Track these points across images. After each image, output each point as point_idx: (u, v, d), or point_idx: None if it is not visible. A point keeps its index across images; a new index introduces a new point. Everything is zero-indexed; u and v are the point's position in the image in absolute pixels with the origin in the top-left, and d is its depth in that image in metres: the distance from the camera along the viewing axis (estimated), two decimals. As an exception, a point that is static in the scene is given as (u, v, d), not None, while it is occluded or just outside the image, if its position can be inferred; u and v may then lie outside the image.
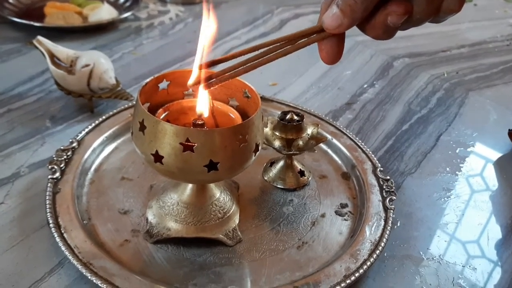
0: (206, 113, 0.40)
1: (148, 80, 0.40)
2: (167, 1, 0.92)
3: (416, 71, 0.74)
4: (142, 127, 0.36)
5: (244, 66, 0.33)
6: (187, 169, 0.35)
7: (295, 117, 0.47)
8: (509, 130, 0.57)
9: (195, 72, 0.36)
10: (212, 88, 0.35)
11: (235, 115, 0.42)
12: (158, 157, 0.35)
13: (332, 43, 0.32)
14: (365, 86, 0.69)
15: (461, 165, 0.55)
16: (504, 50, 0.85)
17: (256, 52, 0.33)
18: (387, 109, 0.64)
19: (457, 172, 0.53)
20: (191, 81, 0.36)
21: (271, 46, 0.33)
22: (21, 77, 0.64)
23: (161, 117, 0.40)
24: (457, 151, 0.57)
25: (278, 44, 0.33)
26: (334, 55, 0.32)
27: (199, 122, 0.39)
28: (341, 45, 0.32)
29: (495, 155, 0.57)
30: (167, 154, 0.35)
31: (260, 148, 0.38)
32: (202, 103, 0.39)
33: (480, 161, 0.56)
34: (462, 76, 0.74)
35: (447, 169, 0.54)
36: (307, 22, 0.89)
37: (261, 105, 0.38)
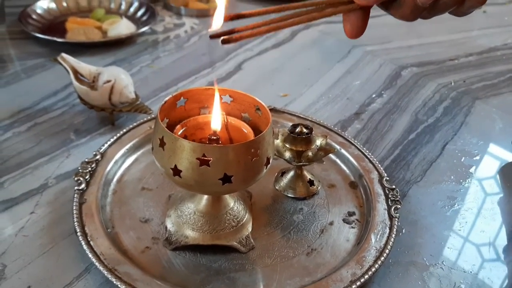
0: (219, 128, 0.43)
1: (167, 98, 0.43)
2: (182, 14, 0.95)
3: (423, 80, 0.76)
4: (162, 143, 0.39)
5: (268, 26, 0.32)
6: (203, 182, 0.38)
7: (304, 130, 0.50)
8: (513, 139, 0.59)
9: (218, 22, 0.34)
10: (232, 42, 0.32)
11: (247, 129, 0.45)
12: (176, 171, 0.38)
13: (357, 17, 0.33)
14: (374, 96, 0.72)
15: (465, 173, 0.57)
16: (512, 57, 0.86)
17: (282, 14, 0.33)
18: (395, 119, 0.66)
19: (461, 181, 0.55)
20: (213, 30, 0.33)
21: (297, 10, 0.33)
22: (46, 92, 0.67)
23: (179, 133, 0.43)
24: (462, 159, 0.59)
25: (305, 9, 0.33)
26: (358, 29, 0.33)
27: (214, 137, 0.42)
28: (366, 20, 0.33)
29: (500, 163, 0.59)
30: (185, 168, 0.38)
31: (271, 161, 0.41)
32: (217, 118, 0.43)
33: (484, 169, 0.58)
34: (470, 84, 0.76)
35: (452, 177, 0.56)
36: (318, 33, 0.92)
37: (271, 121, 0.41)
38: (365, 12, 0.33)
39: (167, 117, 0.44)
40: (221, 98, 0.45)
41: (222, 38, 0.31)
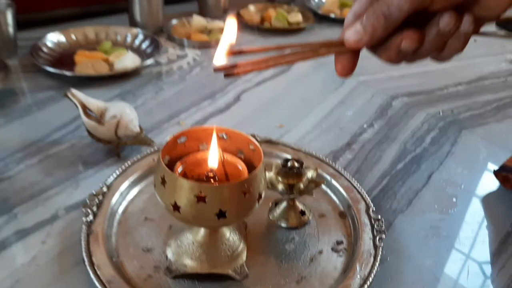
0: (216, 165, 0.47)
1: (168, 138, 0.47)
2: (185, 46, 1.00)
3: (413, 110, 0.80)
4: (163, 182, 0.43)
5: (266, 63, 0.35)
6: (200, 217, 0.42)
7: (296, 164, 0.53)
8: (494, 170, 0.62)
9: (222, 56, 0.36)
10: (234, 76, 0.35)
11: (242, 166, 0.48)
12: (176, 207, 0.42)
13: (348, 58, 0.36)
14: (365, 126, 0.76)
15: (449, 203, 0.60)
16: (500, 87, 0.90)
17: (279, 52, 0.36)
18: (384, 149, 0.70)
19: (444, 210, 0.59)
20: (216, 63, 0.36)
21: (293, 49, 0.36)
22: (56, 124, 0.72)
23: (179, 170, 0.47)
24: (446, 189, 0.62)
25: (300, 48, 0.36)
26: (348, 69, 0.37)
27: (211, 175, 0.46)
28: (355, 61, 0.37)
29: (483, 193, 0.62)
30: (183, 204, 0.42)
31: (263, 196, 0.45)
32: (214, 156, 0.47)
33: (467, 199, 0.61)
34: (457, 114, 0.80)
35: (436, 206, 0.59)
36: (312, 63, 0.96)
37: (263, 160, 0.45)
38: (355, 54, 0.36)
39: (168, 154, 0.48)
40: (218, 136, 0.49)
41: (225, 72, 0.34)
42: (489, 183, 0.64)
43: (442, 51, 0.35)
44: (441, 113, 0.80)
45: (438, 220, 0.57)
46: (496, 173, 0.62)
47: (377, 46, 0.35)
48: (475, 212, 0.59)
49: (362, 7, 0.35)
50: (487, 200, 0.61)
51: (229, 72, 0.35)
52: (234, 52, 0.36)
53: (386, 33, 0.34)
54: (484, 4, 0.33)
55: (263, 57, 0.35)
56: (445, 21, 0.33)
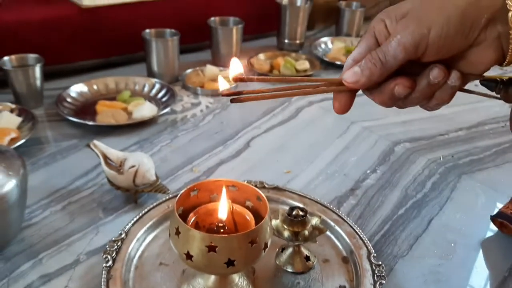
0: (225, 216, 0.51)
1: (182, 191, 0.51)
2: (198, 94, 1.07)
3: (415, 155, 0.84)
4: (178, 232, 0.47)
5: (270, 93, 0.39)
6: (211, 265, 0.46)
7: (300, 213, 0.57)
8: (491, 216, 0.65)
9: (227, 83, 0.40)
10: (240, 102, 0.38)
11: (250, 216, 0.53)
12: (189, 256, 0.46)
13: (345, 96, 0.40)
14: (368, 172, 0.79)
15: (448, 248, 0.63)
16: (499, 132, 0.94)
17: (282, 85, 0.39)
18: (386, 194, 0.74)
19: (444, 255, 0.62)
20: (223, 88, 0.39)
21: (295, 84, 0.40)
22: (78, 172, 0.77)
23: (191, 220, 0.52)
24: (446, 234, 0.65)
25: (302, 83, 0.40)
26: (345, 107, 0.41)
27: (221, 225, 0.51)
28: (352, 100, 0.41)
29: (481, 238, 0.65)
30: (195, 254, 0.46)
31: (269, 245, 0.49)
32: (224, 208, 0.51)
33: (466, 244, 0.64)
34: (457, 159, 0.83)
35: (435, 252, 0.62)
36: (319, 109, 1.02)
37: (269, 211, 0.49)
38: (351, 94, 0.40)
39: (182, 205, 0.53)
40: (227, 188, 0.53)
41: (231, 97, 0.38)
42: (487, 228, 0.67)
43: (430, 100, 0.39)
44: (441, 159, 0.83)
45: (438, 265, 0.60)
46: (493, 218, 0.65)
47: (373, 88, 0.39)
48: (473, 257, 0.62)
49: (361, 53, 0.39)
50: (485, 245, 0.64)
51: (235, 97, 0.38)
52: (243, 79, 0.39)
53: (381, 78, 0.38)
54: (470, 61, 0.37)
55: (267, 88, 0.39)
56: (434, 73, 0.37)
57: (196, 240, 0.46)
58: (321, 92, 0.39)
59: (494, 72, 0.39)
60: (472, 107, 1.04)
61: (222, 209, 0.51)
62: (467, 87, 0.40)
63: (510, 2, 0.34)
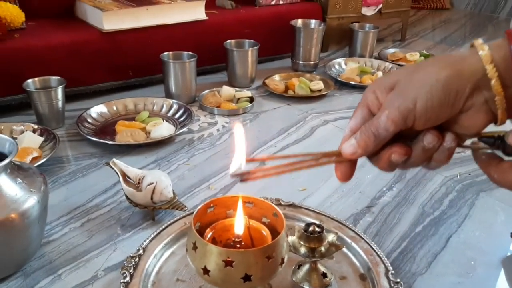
0: (241, 232, 0.51)
1: (199, 207, 0.52)
2: (215, 114, 1.08)
3: (431, 173, 0.84)
4: (195, 247, 0.48)
5: (275, 171, 0.41)
6: (228, 280, 0.46)
7: (317, 229, 0.57)
8: (511, 233, 0.64)
9: (238, 165, 0.43)
10: (249, 181, 0.41)
11: (266, 232, 0.53)
12: (206, 271, 0.47)
13: (346, 166, 0.41)
14: (384, 189, 0.79)
15: (468, 266, 0.62)
16: (517, 149, 0.92)
17: (287, 160, 0.41)
18: (403, 212, 0.73)
19: (463, 273, 0.61)
20: (233, 171, 0.42)
21: (299, 158, 0.41)
22: (97, 190, 0.79)
23: (208, 236, 0.52)
24: (465, 252, 0.65)
25: (305, 158, 0.41)
26: (347, 175, 0.41)
27: (237, 240, 0.51)
28: (353, 168, 0.41)
29: (501, 256, 0.64)
30: (213, 268, 0.46)
31: (285, 260, 0.49)
32: (239, 223, 0.52)
33: (486, 262, 0.63)
34: (475, 177, 0.83)
35: (455, 269, 0.61)
36: (334, 128, 1.02)
37: (285, 227, 0.49)
38: (352, 162, 0.41)
39: (199, 220, 0.53)
40: (244, 204, 0.54)
41: (240, 178, 0.40)
42: (507, 246, 0.65)
43: (429, 162, 0.39)
44: (458, 176, 0.83)
45: (457, 284, 0.59)
46: (513, 236, 0.64)
47: (372, 156, 0.40)
48: (494, 275, 0.61)
49: (357, 124, 0.40)
50: (505, 263, 0.63)
51: (245, 178, 0.41)
52: (250, 160, 0.42)
53: (377, 148, 0.39)
54: (462, 124, 0.37)
55: (272, 166, 0.41)
56: (428, 139, 0.37)
57: (213, 254, 0.46)
58: (323, 164, 0.41)
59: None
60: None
61: (239, 224, 0.52)
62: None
63: (489, 71, 0.34)
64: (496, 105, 0.35)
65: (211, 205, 0.54)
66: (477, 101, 0.35)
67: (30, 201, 0.58)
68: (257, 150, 0.92)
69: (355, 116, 0.41)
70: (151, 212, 0.71)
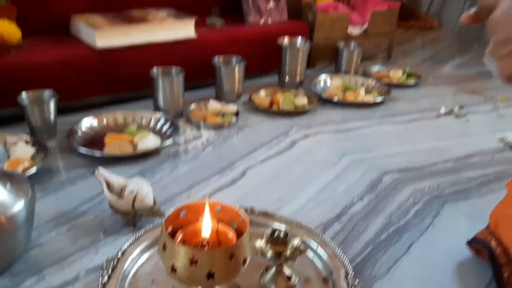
0: (209, 235, 0.56)
1: (171, 212, 0.57)
2: (201, 127, 1.13)
3: (401, 185, 0.88)
4: (164, 247, 0.52)
5: None
6: (192, 278, 0.51)
7: (281, 234, 0.62)
8: (467, 241, 0.69)
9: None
10: None
11: (232, 234, 0.57)
12: (173, 269, 0.51)
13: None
14: (355, 199, 0.84)
15: (425, 272, 0.66)
16: (487, 163, 0.97)
17: None
18: (371, 220, 0.77)
19: (420, 278, 0.65)
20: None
21: None
22: (83, 198, 0.83)
23: (179, 238, 0.57)
24: (424, 259, 0.69)
25: None
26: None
27: (206, 242, 0.55)
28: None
29: (458, 263, 0.68)
30: (179, 266, 0.51)
31: (248, 261, 0.53)
32: (207, 227, 0.56)
33: (443, 269, 0.67)
34: (442, 189, 0.87)
35: (413, 274, 0.65)
36: (314, 141, 1.07)
37: (248, 230, 0.54)
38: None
39: (172, 224, 0.58)
40: (213, 209, 0.58)
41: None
42: (464, 254, 0.70)
43: None
44: (427, 188, 0.87)
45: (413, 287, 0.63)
46: (469, 244, 0.68)
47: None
48: (450, 281, 0.65)
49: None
50: (462, 269, 0.67)
51: None
52: None
53: None
54: None
55: None
56: None
57: (180, 254, 0.50)
58: None
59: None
60: (462, 140, 1.08)
61: (206, 227, 0.56)
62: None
63: None
64: None
65: (183, 210, 0.58)
66: None
67: (17, 206, 0.62)
68: (238, 161, 0.97)
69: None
70: (132, 219, 0.76)
